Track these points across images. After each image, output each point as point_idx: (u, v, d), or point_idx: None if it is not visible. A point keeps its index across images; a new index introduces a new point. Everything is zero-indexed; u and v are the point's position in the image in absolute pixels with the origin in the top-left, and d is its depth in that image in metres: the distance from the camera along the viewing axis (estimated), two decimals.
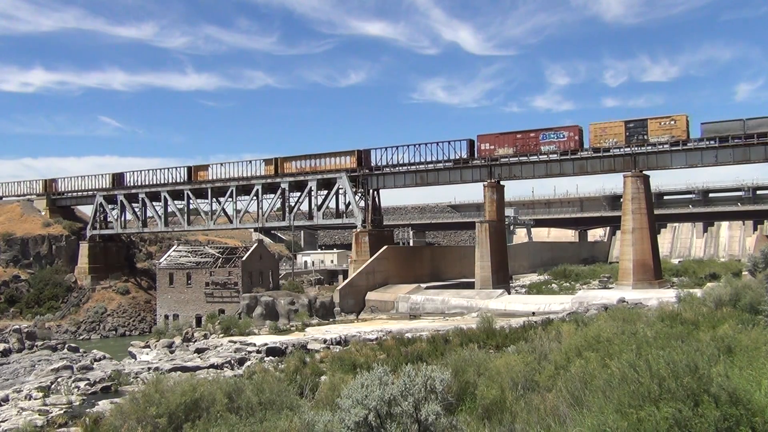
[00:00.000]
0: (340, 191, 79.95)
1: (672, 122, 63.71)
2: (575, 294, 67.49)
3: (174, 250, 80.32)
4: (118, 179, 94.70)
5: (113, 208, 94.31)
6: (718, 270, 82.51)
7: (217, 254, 76.28)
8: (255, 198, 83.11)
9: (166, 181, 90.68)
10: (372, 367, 14.68)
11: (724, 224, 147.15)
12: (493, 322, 40.19)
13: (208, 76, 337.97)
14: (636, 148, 64.34)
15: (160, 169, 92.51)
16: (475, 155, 72.01)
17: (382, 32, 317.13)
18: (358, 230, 77.27)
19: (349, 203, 78.78)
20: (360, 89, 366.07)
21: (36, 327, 73.03)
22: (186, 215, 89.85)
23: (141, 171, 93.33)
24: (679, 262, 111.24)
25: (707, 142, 62.29)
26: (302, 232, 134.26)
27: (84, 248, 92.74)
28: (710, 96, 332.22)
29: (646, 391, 9.85)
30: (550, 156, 68.52)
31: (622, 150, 65.22)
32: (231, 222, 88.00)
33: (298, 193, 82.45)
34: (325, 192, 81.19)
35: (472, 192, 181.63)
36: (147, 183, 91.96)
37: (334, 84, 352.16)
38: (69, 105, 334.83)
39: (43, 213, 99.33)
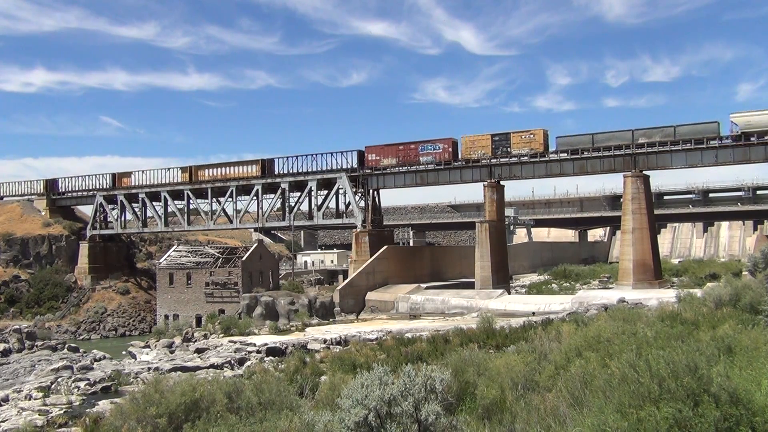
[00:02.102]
0: (340, 191, 79.99)
1: (531, 136, 69.29)
2: (575, 294, 67.49)
3: (174, 250, 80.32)
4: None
5: (113, 208, 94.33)
6: (718, 270, 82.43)
7: (217, 254, 76.29)
8: (255, 198, 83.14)
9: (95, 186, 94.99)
10: (372, 367, 14.67)
11: (724, 224, 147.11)
12: (493, 322, 40.20)
13: (209, 76, 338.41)
14: (637, 149, 64.54)
15: (91, 175, 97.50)
16: (364, 165, 77.19)
17: (384, 32, 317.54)
18: (358, 230, 77.27)
19: (349, 203, 78.81)
20: (361, 89, 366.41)
21: (36, 327, 73.01)
22: (186, 215, 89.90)
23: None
24: (679, 262, 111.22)
25: (561, 155, 67.99)
26: (302, 232, 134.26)
27: (84, 248, 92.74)
28: (711, 96, 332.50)
29: (646, 391, 9.84)
30: (428, 166, 73.92)
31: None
32: (231, 222, 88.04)
33: (298, 193, 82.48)
34: (325, 192, 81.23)
35: (472, 192, 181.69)
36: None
37: (335, 84, 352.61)
38: (70, 105, 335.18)
39: (43, 213, 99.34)
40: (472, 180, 73.88)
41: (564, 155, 68.08)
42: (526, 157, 69.18)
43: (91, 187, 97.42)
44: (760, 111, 59.89)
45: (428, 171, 74.78)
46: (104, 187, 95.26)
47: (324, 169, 79.24)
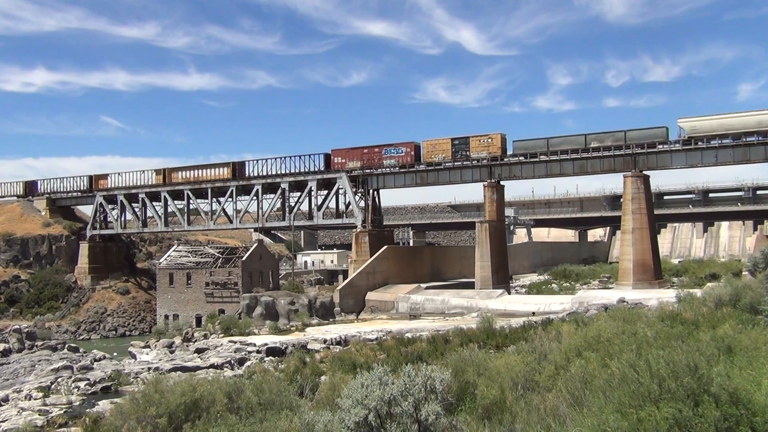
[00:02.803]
0: (340, 191, 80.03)
1: (489, 140, 70.98)
2: (575, 294, 67.50)
3: (174, 250, 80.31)
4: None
5: (113, 208, 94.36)
6: (718, 270, 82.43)
7: (217, 254, 76.27)
8: (255, 198, 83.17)
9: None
10: (372, 367, 14.67)
11: (724, 224, 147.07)
12: (493, 322, 40.20)
13: (210, 76, 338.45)
14: (638, 149, 64.54)
15: (67, 177, 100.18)
16: (331, 168, 79.14)
17: (385, 32, 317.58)
18: (358, 230, 77.26)
19: (349, 203, 78.84)
20: (362, 89, 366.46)
21: (36, 327, 73.01)
22: (186, 215, 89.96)
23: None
24: (679, 262, 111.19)
25: (520, 158, 69.80)
26: (302, 232, 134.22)
27: (84, 248, 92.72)
28: (712, 96, 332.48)
29: (646, 391, 9.84)
30: (392, 169, 75.39)
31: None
32: (231, 222, 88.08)
33: (298, 193, 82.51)
34: (325, 192, 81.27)
35: (472, 192, 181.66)
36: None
37: (336, 84, 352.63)
38: (71, 105, 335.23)
39: (43, 213, 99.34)
40: (472, 180, 73.89)
41: (522, 158, 69.94)
42: (485, 161, 70.91)
43: (70, 189, 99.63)
44: (705, 117, 62.31)
45: (428, 171, 74.84)
46: (80, 189, 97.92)
47: (294, 171, 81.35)
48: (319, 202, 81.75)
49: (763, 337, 16.17)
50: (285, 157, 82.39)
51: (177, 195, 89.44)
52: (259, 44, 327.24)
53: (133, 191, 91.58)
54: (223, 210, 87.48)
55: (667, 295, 50.05)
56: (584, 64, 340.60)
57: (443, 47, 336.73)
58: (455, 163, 73.09)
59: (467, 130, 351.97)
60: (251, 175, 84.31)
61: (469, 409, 14.89)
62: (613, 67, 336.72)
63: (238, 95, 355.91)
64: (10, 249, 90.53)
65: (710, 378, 9.71)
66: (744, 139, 60.50)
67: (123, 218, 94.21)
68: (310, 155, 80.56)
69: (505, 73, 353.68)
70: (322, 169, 79.53)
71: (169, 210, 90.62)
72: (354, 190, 77.64)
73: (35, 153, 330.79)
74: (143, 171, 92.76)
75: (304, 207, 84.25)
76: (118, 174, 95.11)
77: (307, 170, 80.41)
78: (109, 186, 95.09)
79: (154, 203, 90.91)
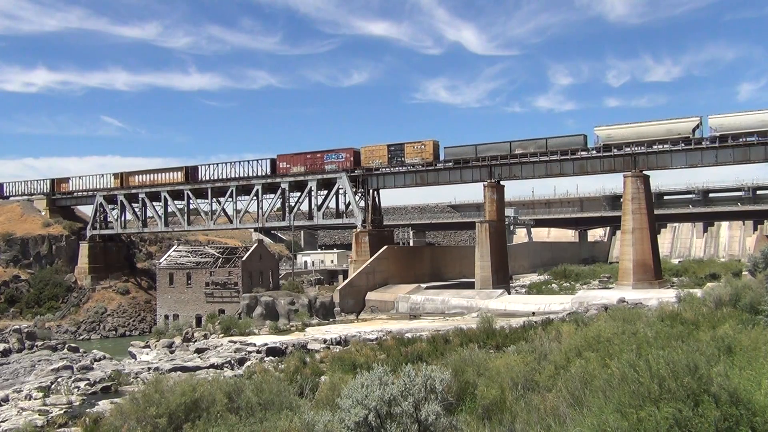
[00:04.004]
0: (340, 191, 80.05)
1: (422, 146, 73.89)
2: (575, 294, 67.48)
3: (174, 250, 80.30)
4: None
5: (113, 208, 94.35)
6: (718, 270, 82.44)
7: (217, 254, 76.27)
8: (255, 198, 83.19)
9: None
10: (372, 367, 14.68)
11: (724, 224, 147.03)
12: (493, 322, 40.18)
13: (211, 76, 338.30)
14: (636, 149, 64.55)
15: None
16: (276, 172, 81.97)
17: (386, 32, 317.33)
18: (358, 230, 77.25)
19: (349, 203, 78.84)
20: (363, 89, 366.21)
21: (36, 327, 73.00)
22: (186, 215, 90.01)
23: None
24: (679, 262, 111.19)
25: (449, 164, 72.84)
26: (302, 232, 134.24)
27: (84, 248, 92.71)
28: (713, 96, 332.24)
29: (647, 391, 9.84)
30: (332, 174, 78.00)
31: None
32: (231, 222, 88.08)
33: (298, 193, 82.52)
34: (325, 192, 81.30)
35: (472, 192, 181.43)
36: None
37: (336, 84, 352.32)
38: (71, 105, 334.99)
39: (43, 213, 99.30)
40: (472, 180, 73.89)
41: (450, 164, 72.93)
42: (420, 166, 73.80)
43: (22, 192, 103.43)
44: (619, 125, 65.83)
45: (428, 171, 74.83)
46: (45, 192, 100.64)
47: (242, 176, 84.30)
48: (319, 202, 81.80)
49: (763, 337, 16.17)
50: (234, 162, 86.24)
51: (133, 198, 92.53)
52: (259, 44, 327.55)
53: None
54: (223, 210, 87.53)
55: (667, 295, 50.06)
56: (585, 64, 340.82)
57: (444, 47, 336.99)
58: (451, 164, 73.15)
59: (467, 129, 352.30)
60: (203, 179, 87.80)
61: (469, 409, 14.88)
62: (614, 67, 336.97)
63: (238, 95, 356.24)
64: (10, 249, 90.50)
65: (710, 378, 9.71)
66: (653, 147, 63.66)
67: (123, 218, 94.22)
68: (257, 160, 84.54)
69: (505, 73, 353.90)
70: (268, 173, 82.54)
71: (169, 210, 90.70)
72: (354, 190, 77.66)
73: (36, 153, 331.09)
74: (102, 175, 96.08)
75: (304, 207, 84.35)
76: (79, 177, 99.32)
77: (254, 174, 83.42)
78: (70, 189, 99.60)
79: (154, 203, 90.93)
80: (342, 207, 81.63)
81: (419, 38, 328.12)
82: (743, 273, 60.96)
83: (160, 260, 79.85)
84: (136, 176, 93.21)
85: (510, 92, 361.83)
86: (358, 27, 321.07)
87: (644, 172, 64.96)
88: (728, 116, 61.05)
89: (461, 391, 15.92)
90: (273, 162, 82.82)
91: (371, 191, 77.90)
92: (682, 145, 62.90)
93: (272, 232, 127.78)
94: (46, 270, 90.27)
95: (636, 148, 64.55)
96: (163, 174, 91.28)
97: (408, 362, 20.74)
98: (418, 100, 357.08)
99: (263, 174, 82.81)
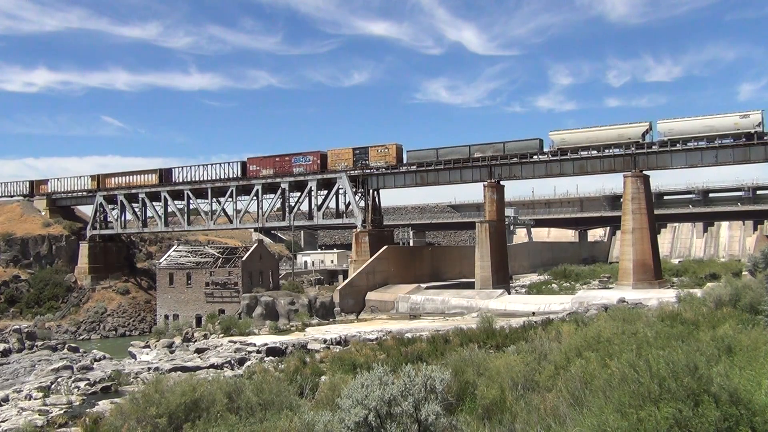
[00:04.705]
0: (340, 191, 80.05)
1: (386, 150, 75.88)
2: (575, 294, 67.46)
3: (174, 250, 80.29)
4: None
5: (113, 208, 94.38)
6: (718, 270, 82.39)
7: (217, 254, 76.26)
8: (255, 198, 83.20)
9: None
10: (372, 367, 14.67)
11: (724, 224, 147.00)
12: (493, 322, 40.18)
13: (211, 76, 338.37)
14: (637, 149, 64.67)
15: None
16: (247, 175, 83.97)
17: (386, 32, 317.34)
18: (358, 230, 77.24)
19: (349, 203, 78.85)
20: (363, 89, 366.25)
21: (36, 327, 73.00)
22: (186, 215, 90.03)
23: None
24: (679, 262, 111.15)
25: (413, 167, 74.82)
26: (302, 232, 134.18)
27: (84, 248, 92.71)
28: (713, 96, 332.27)
29: (647, 391, 9.84)
30: (300, 178, 79.68)
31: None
32: (231, 222, 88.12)
33: (298, 193, 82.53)
34: (325, 192, 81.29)
35: (472, 192, 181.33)
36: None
37: (337, 84, 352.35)
38: (71, 105, 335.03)
39: (43, 213, 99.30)
40: (472, 180, 73.92)
41: (413, 167, 74.77)
42: (383, 169, 75.84)
43: (14, 192, 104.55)
44: (572, 130, 68.48)
45: (428, 171, 74.85)
46: (24, 193, 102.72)
47: (215, 178, 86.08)
48: (319, 202, 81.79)
49: (763, 337, 16.18)
50: (207, 165, 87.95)
51: (111, 200, 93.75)
52: (260, 44, 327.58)
53: (134, 191, 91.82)
54: (223, 210, 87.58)
55: (667, 295, 50.07)
56: (585, 64, 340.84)
57: (445, 47, 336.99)
58: (455, 164, 73.28)
59: (467, 129, 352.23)
60: (177, 180, 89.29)
61: (469, 409, 14.88)
62: (615, 67, 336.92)
63: (239, 95, 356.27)
64: (10, 249, 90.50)
65: (710, 378, 9.71)
66: (605, 151, 66.00)
67: (123, 218, 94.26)
68: (229, 163, 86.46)
69: (506, 73, 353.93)
70: (239, 176, 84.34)
71: (170, 210, 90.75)
72: (354, 190, 77.65)
73: (36, 153, 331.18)
74: (80, 176, 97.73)
75: (305, 207, 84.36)
76: (57, 179, 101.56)
77: (226, 177, 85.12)
78: (48, 191, 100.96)
79: (154, 203, 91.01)
80: (342, 207, 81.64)
81: (420, 38, 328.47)
82: (743, 273, 60.98)
83: (160, 260, 79.85)
84: (113, 178, 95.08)
85: (510, 92, 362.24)
86: (359, 27, 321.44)
87: (644, 173, 65.02)
88: (677, 121, 63.02)
89: (461, 391, 15.92)
90: (243, 164, 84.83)
91: (371, 191, 77.89)
92: (633, 149, 64.54)
93: (272, 232, 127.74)
94: (46, 270, 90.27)
95: (589, 153, 66.60)
96: (139, 176, 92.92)
97: (408, 362, 20.72)
98: (419, 100, 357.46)
99: (235, 176, 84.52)
